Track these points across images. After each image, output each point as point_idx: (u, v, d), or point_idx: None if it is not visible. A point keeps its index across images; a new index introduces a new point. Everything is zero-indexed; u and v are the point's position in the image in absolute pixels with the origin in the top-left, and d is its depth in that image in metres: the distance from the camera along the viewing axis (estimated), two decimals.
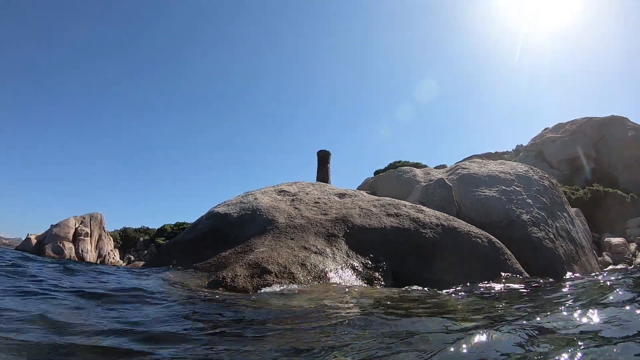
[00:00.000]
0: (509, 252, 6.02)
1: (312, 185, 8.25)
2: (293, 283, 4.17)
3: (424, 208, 6.47)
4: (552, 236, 7.21)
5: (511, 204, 7.51)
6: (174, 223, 46.54)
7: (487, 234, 6.05)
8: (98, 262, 27.79)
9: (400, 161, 45.83)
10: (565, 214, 8.35)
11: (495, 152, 46.95)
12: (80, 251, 26.16)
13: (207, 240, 6.66)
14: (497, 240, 6.03)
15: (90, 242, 27.32)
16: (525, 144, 39.99)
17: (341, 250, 5.17)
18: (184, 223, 46.75)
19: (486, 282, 5.20)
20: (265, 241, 5.46)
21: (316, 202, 6.92)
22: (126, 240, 41.48)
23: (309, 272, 4.45)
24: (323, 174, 12.04)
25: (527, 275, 5.90)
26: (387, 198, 6.98)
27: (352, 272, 4.76)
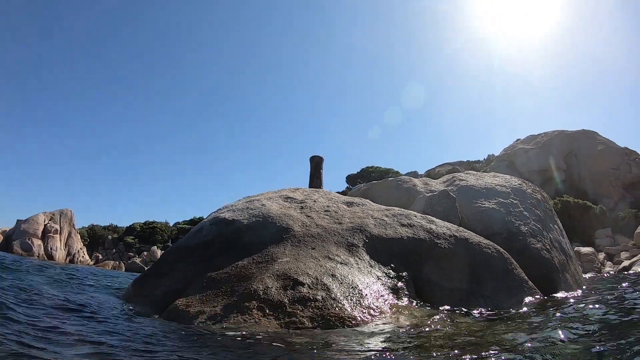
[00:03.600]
0: (514, 262, 6.29)
1: (316, 192, 8.29)
2: (328, 293, 4.21)
3: (434, 219, 6.66)
4: (548, 247, 7.58)
5: (510, 215, 7.83)
6: (143, 222, 45.35)
7: (494, 244, 6.30)
8: (67, 260, 26.68)
9: (372, 166, 46.32)
10: (555, 226, 8.78)
11: (467, 161, 48.34)
12: (49, 249, 25.07)
13: (215, 248, 6.49)
14: (504, 251, 6.29)
15: (60, 240, 26.21)
16: (496, 153, 41.50)
17: (364, 260, 5.25)
18: (153, 222, 45.67)
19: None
20: (286, 250, 5.45)
21: (326, 211, 6.96)
22: (94, 238, 40.14)
23: (341, 283, 4.49)
24: (316, 180, 12.08)
25: (532, 284, 6.23)
26: (396, 208, 7.12)
27: (378, 281, 4.84)
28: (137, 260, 31.03)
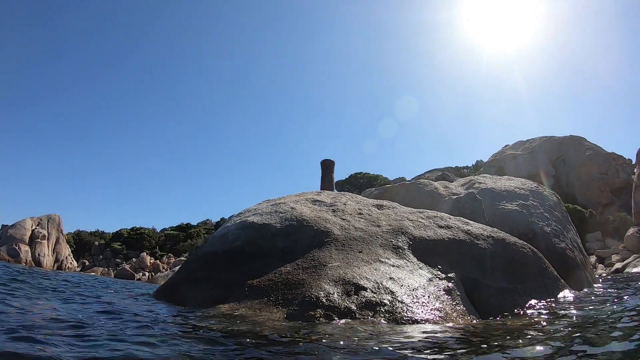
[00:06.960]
0: (547, 261, 6.41)
1: (342, 195, 8.27)
2: (393, 296, 4.20)
3: (468, 220, 6.73)
4: (570, 246, 7.79)
5: (532, 217, 8.01)
6: (130, 228, 44.47)
7: (529, 244, 6.41)
8: (55, 267, 25.85)
9: (360, 173, 46.39)
10: (571, 227, 9.01)
11: (456, 167, 48.98)
12: (37, 255, 24.24)
13: (247, 254, 6.25)
14: (538, 250, 6.41)
15: (48, 246, 25.37)
16: (484, 159, 42.22)
17: (412, 262, 5.26)
18: (140, 228, 44.83)
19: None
20: (332, 255, 5.40)
21: (360, 213, 6.95)
22: (80, 244, 39.12)
23: (401, 286, 4.49)
24: (327, 184, 12.07)
25: (564, 282, 6.37)
26: (428, 210, 7.17)
27: (431, 283, 4.85)
28: (127, 266, 30.28)
